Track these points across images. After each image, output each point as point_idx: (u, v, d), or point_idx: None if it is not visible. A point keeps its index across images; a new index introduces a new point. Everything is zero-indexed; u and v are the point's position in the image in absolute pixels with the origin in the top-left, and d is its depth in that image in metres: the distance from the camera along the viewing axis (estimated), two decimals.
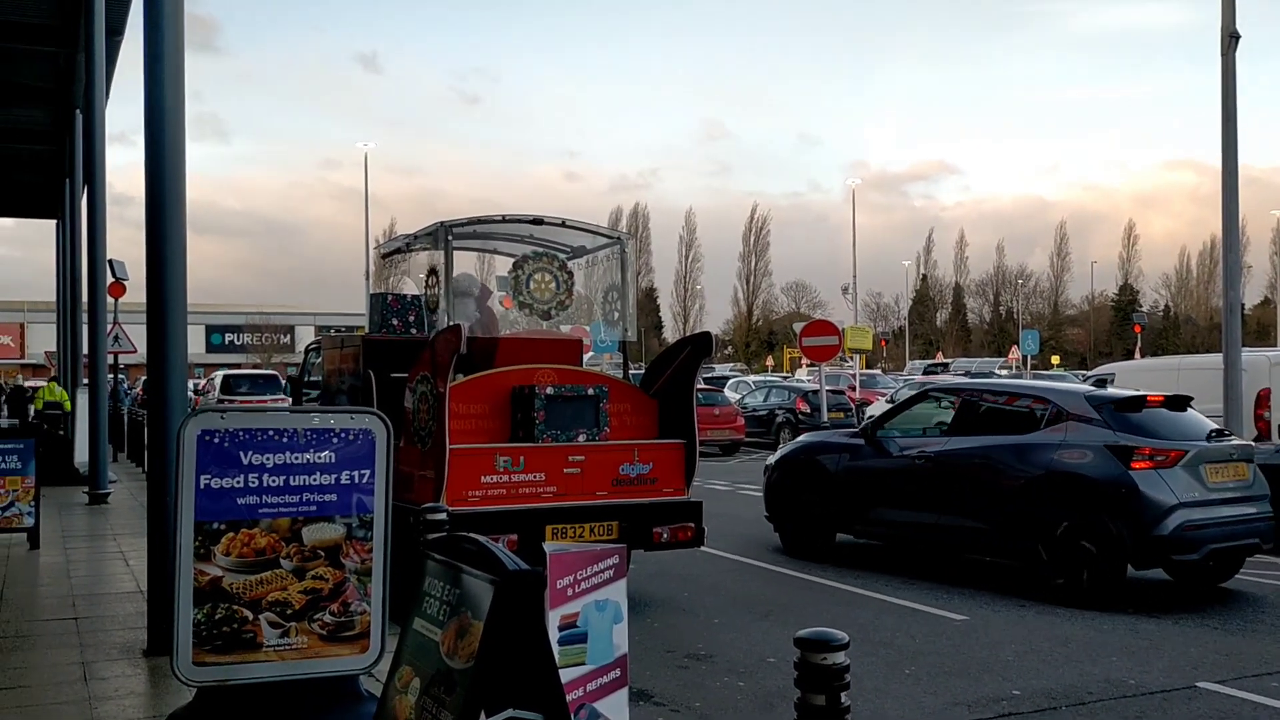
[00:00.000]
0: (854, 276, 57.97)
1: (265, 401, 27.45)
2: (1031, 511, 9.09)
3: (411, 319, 9.89)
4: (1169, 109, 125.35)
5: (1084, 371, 37.06)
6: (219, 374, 34.96)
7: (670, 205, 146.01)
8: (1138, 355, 46.40)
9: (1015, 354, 51.10)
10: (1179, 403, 9.69)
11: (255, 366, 49.80)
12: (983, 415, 10.11)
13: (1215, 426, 9.66)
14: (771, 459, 12.10)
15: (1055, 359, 67.58)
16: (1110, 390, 10.70)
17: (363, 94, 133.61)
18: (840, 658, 3.30)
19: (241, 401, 27.61)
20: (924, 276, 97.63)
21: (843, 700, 3.30)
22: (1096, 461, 8.82)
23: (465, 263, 9.90)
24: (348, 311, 65.44)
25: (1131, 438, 8.86)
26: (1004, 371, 46.85)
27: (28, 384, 36.84)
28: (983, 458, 9.60)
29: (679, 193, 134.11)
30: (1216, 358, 14.65)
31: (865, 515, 10.59)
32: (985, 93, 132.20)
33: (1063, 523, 8.87)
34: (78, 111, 17.99)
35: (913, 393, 12.41)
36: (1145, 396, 9.64)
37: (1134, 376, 16.60)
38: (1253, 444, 9.88)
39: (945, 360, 61.56)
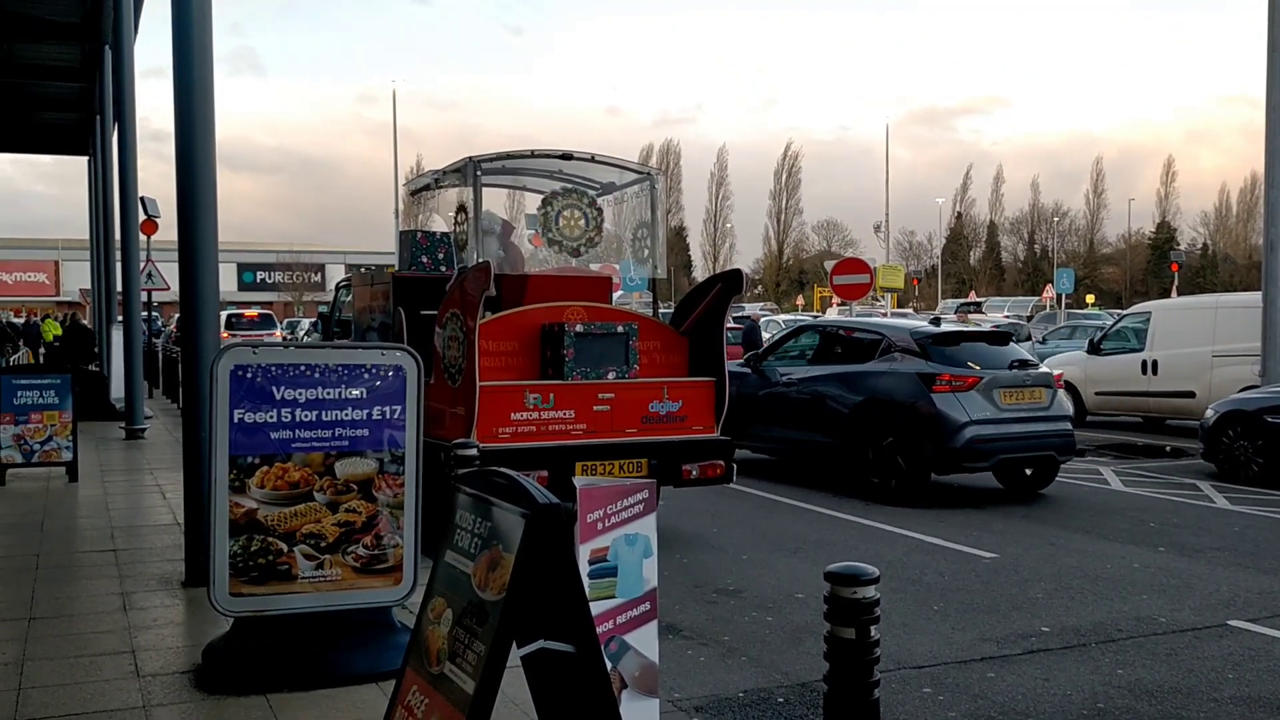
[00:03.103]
0: (886, 214, 57.43)
1: (261, 336, 34.27)
2: (861, 427, 10.84)
3: (441, 256, 9.88)
4: (1224, 40, 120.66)
5: (1119, 310, 36.62)
6: (222, 313, 38.24)
7: (711, 142, 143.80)
8: (1174, 294, 45.76)
9: (1050, 293, 50.48)
10: (998, 338, 11.62)
11: (254, 306, 53.64)
12: (836, 348, 12.01)
13: (1023, 358, 11.21)
14: None
15: (1090, 298, 66.74)
16: (933, 327, 12.44)
17: (404, 26, 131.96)
18: (870, 592, 3.31)
19: (243, 336, 33.22)
20: (959, 214, 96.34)
21: (872, 634, 3.31)
22: (909, 386, 10.54)
23: (494, 200, 9.84)
24: (378, 250, 65.51)
25: (938, 367, 10.52)
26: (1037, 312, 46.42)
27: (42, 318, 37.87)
28: (831, 383, 11.35)
29: (722, 129, 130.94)
30: (1256, 296, 14.40)
31: (750, 433, 11.99)
32: (1042, 22, 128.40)
33: (884, 437, 10.62)
34: (106, 47, 17.92)
35: (790, 329, 14.33)
36: (961, 332, 11.69)
37: (1171, 315, 16.38)
38: (1052, 372, 11.31)
39: (978, 299, 60.98)
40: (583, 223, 8.73)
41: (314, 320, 32.72)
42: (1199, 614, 6.70)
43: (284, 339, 38.00)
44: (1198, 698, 5.26)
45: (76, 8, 17.76)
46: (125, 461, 12.75)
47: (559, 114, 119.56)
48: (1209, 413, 12.37)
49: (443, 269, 9.72)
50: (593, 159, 9.08)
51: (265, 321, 38.65)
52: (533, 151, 9.01)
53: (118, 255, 16.93)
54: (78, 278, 59.34)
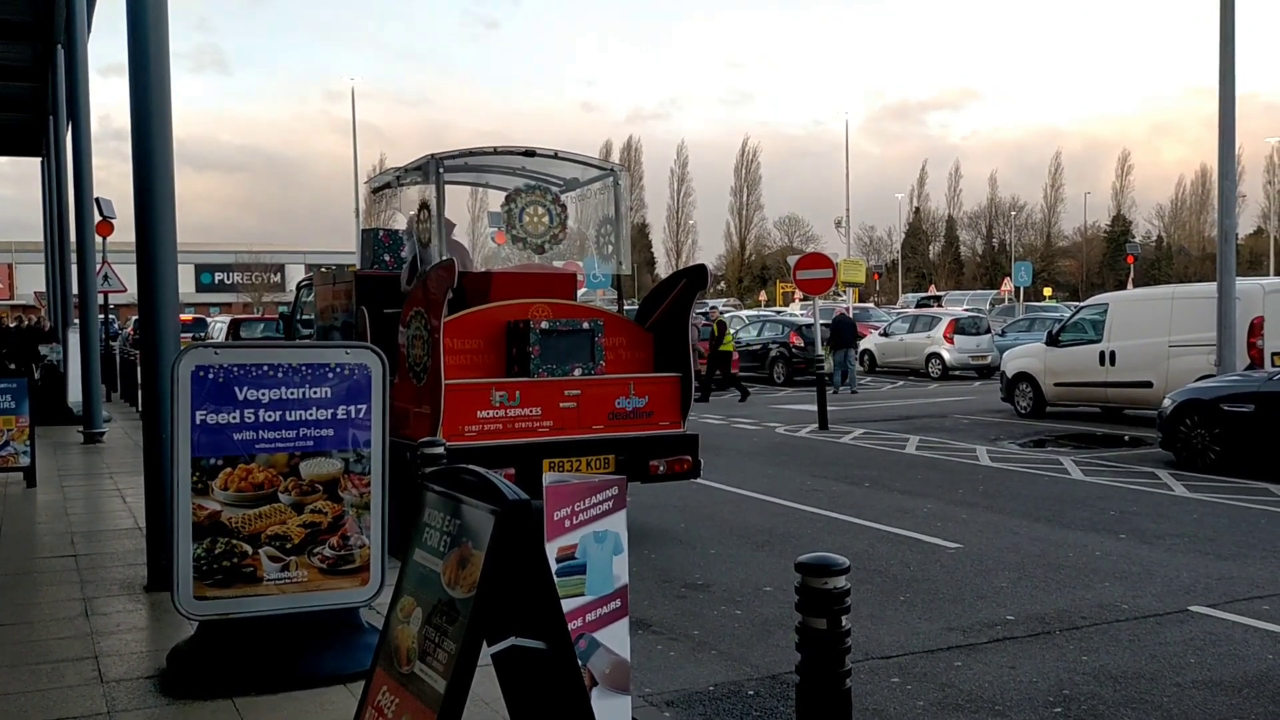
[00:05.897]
0: (847, 209, 57.79)
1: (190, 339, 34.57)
2: None
3: (403, 254, 9.82)
4: (1190, 32, 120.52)
5: (1076, 302, 37.04)
6: None
7: (685, 138, 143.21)
8: (1130, 285, 46.37)
9: (1008, 286, 50.95)
10: None
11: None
12: None
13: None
14: None
15: (1048, 291, 67.42)
16: None
17: (375, 20, 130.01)
18: (841, 582, 3.33)
19: None
20: (916, 209, 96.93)
21: (843, 624, 3.32)
22: None
23: (457, 197, 9.80)
24: (339, 249, 64.94)
25: None
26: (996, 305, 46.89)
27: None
28: None
29: (696, 124, 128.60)
30: (1211, 286, 14.63)
31: None
32: (1017, 13, 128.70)
33: None
34: (59, 46, 17.64)
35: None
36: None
37: (1128, 306, 16.60)
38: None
39: (938, 293, 61.45)
40: (546, 219, 8.71)
41: (231, 320, 32.14)
42: (1160, 600, 6.79)
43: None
44: (1161, 682, 5.33)
45: (27, 6, 17.47)
46: (84, 466, 12.57)
47: (532, 110, 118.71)
48: (1166, 402, 12.55)
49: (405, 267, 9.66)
50: (556, 155, 9.06)
51: (198, 325, 39.25)
52: (495, 148, 8.98)
53: (73, 257, 16.68)
54: (33, 280, 58.39)
